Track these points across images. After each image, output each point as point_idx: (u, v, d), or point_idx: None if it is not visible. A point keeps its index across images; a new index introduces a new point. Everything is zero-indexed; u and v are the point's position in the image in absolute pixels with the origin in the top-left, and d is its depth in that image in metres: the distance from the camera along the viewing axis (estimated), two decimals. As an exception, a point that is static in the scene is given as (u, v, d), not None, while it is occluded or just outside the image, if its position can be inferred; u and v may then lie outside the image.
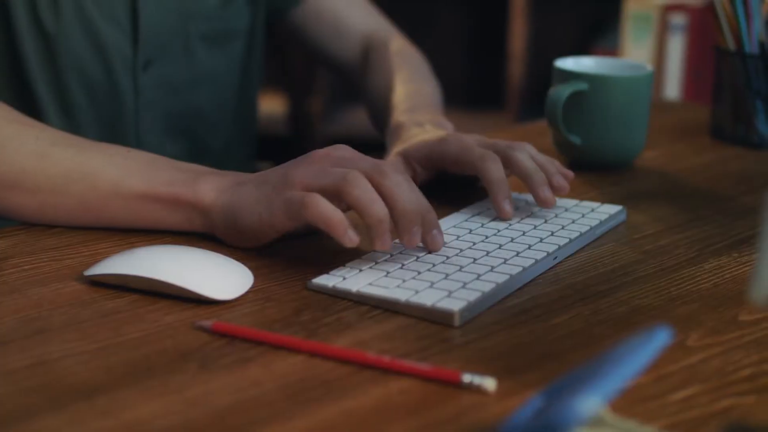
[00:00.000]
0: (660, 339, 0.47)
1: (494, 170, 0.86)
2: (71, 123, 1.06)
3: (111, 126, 1.08)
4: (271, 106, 2.58)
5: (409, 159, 0.93)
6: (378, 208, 0.73)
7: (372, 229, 0.73)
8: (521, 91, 2.49)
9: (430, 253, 0.78)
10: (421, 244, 0.77)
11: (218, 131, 1.19)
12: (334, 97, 2.63)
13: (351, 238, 0.73)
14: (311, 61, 2.37)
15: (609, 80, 1.03)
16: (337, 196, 0.74)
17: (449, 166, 0.91)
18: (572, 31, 2.58)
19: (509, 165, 0.88)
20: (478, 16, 2.70)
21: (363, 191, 0.73)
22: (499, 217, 0.86)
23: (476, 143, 0.90)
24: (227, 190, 0.79)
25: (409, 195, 0.74)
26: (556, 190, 0.88)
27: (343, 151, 0.78)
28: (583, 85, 1.02)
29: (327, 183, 0.74)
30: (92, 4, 1.04)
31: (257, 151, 1.31)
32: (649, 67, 1.06)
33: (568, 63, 1.07)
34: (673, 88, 1.92)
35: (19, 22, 1.02)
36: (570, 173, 0.91)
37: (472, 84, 2.74)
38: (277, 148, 2.01)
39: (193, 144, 1.16)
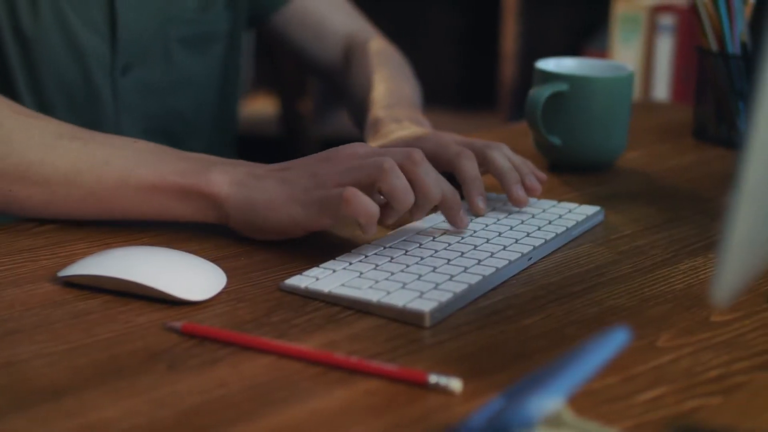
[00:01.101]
0: (618, 339, 0.47)
1: (469, 167, 0.87)
2: None
3: (90, 128, 1.08)
4: (262, 107, 2.58)
5: None
6: (410, 199, 0.77)
7: (394, 212, 0.79)
8: (513, 91, 2.49)
9: (405, 253, 0.78)
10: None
11: (199, 134, 1.20)
12: (325, 98, 2.63)
13: (374, 231, 0.77)
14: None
15: (589, 81, 1.03)
16: (370, 186, 0.76)
17: None
18: (564, 32, 2.58)
19: (485, 163, 0.90)
20: (470, 17, 2.70)
21: (399, 180, 0.76)
22: (472, 213, 0.87)
23: (453, 141, 0.91)
24: (243, 183, 0.80)
25: (436, 184, 0.79)
26: (529, 191, 0.89)
27: (361, 147, 0.80)
28: (563, 86, 1.02)
29: (361, 176, 0.77)
30: (70, 8, 1.04)
31: (238, 153, 1.31)
32: (630, 68, 1.06)
33: (549, 64, 1.07)
34: (661, 89, 1.93)
35: None
36: (543, 176, 0.92)
37: (464, 84, 2.74)
38: (268, 149, 2.01)
39: (173, 146, 1.15)
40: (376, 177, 0.76)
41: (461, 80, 2.74)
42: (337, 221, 0.77)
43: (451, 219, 0.82)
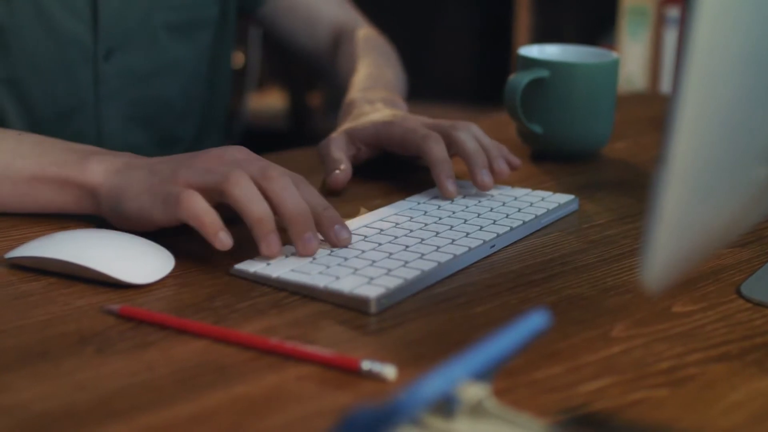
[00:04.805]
0: (535, 323, 0.45)
1: (437, 150, 0.85)
2: (29, 116, 1.04)
3: (70, 116, 1.06)
4: (272, 101, 2.56)
5: (354, 138, 0.93)
6: (257, 208, 0.70)
7: (252, 229, 0.71)
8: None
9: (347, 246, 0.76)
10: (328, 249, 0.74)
11: (187, 121, 1.18)
12: (334, 91, 2.62)
13: (221, 240, 0.70)
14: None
15: (570, 67, 1.00)
16: (219, 195, 0.72)
17: (395, 148, 0.90)
18: (577, 26, 2.54)
19: (452, 144, 0.87)
20: (483, 12, 2.67)
21: (243, 190, 0.70)
22: (443, 196, 0.85)
23: (421, 124, 0.89)
24: (118, 171, 0.77)
25: (296, 199, 0.72)
26: (497, 175, 0.87)
27: (237, 152, 0.76)
28: (544, 73, 0.99)
29: (209, 181, 0.72)
30: None
31: (246, 146, 1.28)
32: (615, 55, 1.03)
33: (532, 50, 1.04)
34: (669, 81, 1.89)
35: None
36: (516, 161, 0.90)
37: (477, 79, 2.71)
38: (277, 143, 1.99)
39: (161, 133, 1.15)
40: (220, 185, 0.71)
41: (474, 75, 2.71)
42: (177, 221, 0.72)
43: (326, 237, 0.74)
